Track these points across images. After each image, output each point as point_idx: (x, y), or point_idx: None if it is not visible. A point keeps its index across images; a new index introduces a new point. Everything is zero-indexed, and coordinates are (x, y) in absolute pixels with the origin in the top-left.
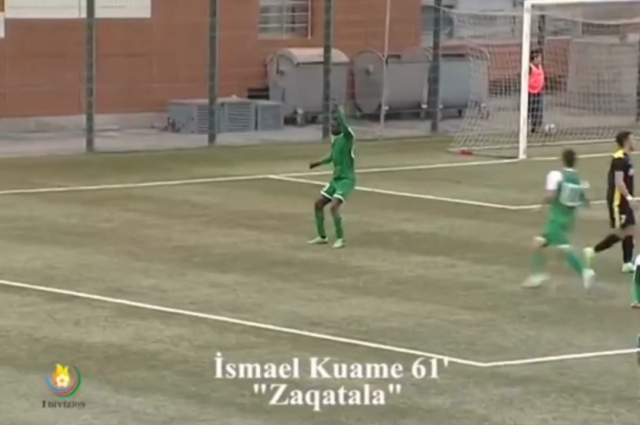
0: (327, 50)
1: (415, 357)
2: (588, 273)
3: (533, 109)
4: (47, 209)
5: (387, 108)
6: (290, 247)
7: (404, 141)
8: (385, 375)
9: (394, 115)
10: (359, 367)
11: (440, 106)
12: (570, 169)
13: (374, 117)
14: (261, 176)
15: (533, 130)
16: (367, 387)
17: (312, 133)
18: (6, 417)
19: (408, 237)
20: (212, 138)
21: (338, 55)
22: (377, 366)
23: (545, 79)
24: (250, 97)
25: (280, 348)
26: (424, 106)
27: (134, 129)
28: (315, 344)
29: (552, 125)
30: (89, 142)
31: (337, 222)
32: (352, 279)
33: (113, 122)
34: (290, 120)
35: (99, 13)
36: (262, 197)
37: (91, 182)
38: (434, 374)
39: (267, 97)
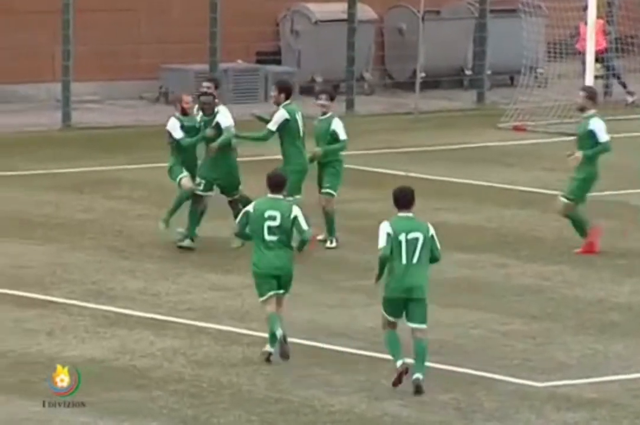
0: (351, 5)
1: (458, 375)
2: None
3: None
4: (14, 197)
5: (423, 75)
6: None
7: (444, 115)
8: (421, 397)
9: (431, 83)
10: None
11: (488, 72)
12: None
13: (407, 85)
14: (271, 157)
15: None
16: (403, 411)
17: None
18: None
19: (449, 231)
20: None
21: (364, 11)
22: (410, 386)
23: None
24: (258, 62)
25: (295, 362)
26: (468, 73)
27: (119, 100)
28: (337, 358)
29: (634, 98)
30: (65, 116)
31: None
32: (380, 281)
33: (94, 92)
34: (306, 90)
35: None
36: None
37: (68, 164)
38: (481, 395)
39: (279, 62)
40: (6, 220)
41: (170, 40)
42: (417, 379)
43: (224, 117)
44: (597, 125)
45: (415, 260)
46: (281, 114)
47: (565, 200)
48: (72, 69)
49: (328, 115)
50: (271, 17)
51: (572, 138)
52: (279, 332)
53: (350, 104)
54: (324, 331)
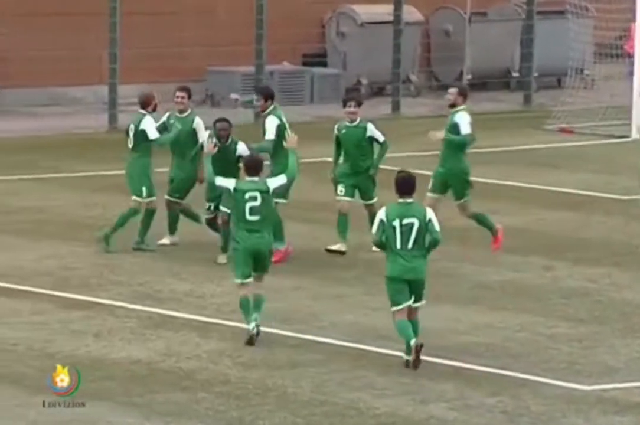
0: (397, 6)
1: (504, 378)
2: None
3: None
4: (62, 198)
5: (469, 77)
6: (351, 245)
7: (491, 117)
8: (468, 400)
9: (478, 85)
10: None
11: (535, 74)
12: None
13: None
14: (317, 159)
15: None
16: (448, 414)
17: (379, 107)
18: None
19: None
20: (258, 113)
21: (410, 13)
22: (456, 389)
23: None
24: (304, 64)
25: (341, 366)
26: (515, 74)
27: (164, 103)
28: (383, 361)
29: None
30: (112, 118)
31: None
32: (427, 282)
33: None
34: (352, 92)
35: None
36: (317, 185)
37: (114, 166)
38: (527, 399)
39: (324, 64)
40: (54, 222)
41: (216, 43)
42: (417, 343)
43: (244, 150)
44: (463, 119)
45: (410, 245)
46: (274, 122)
47: (435, 196)
48: (118, 71)
49: (357, 121)
50: (317, 19)
51: (619, 140)
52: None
53: (396, 106)
54: (368, 333)
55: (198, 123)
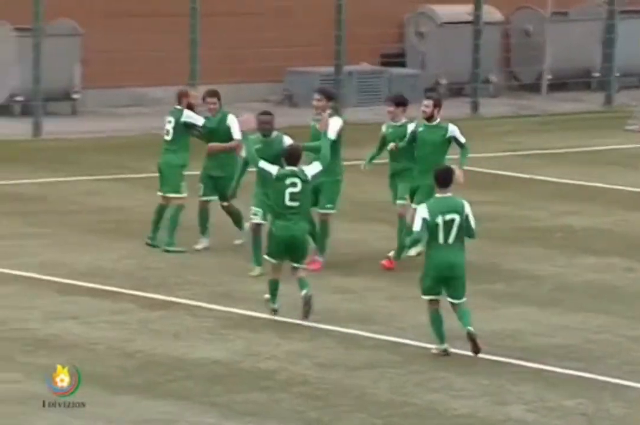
0: (477, 6)
1: (584, 380)
2: None
3: None
4: (143, 199)
5: (550, 77)
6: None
7: (571, 117)
8: (547, 402)
9: (558, 85)
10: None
11: (617, 74)
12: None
13: (534, 87)
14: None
15: None
16: (527, 416)
17: (458, 108)
18: None
19: (575, 234)
20: (337, 114)
21: (490, 13)
22: (535, 391)
23: None
24: (383, 64)
25: (420, 367)
26: (596, 74)
27: (243, 103)
28: (462, 362)
29: None
30: None
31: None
32: (505, 285)
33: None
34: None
35: None
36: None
37: (195, 166)
38: (608, 401)
39: (403, 65)
40: (135, 222)
41: (295, 43)
42: (471, 331)
43: (289, 140)
44: (456, 130)
45: (451, 240)
46: (338, 122)
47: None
48: (198, 72)
49: (403, 121)
50: (396, 19)
51: None
52: None
53: (475, 107)
54: (447, 335)
55: (232, 119)
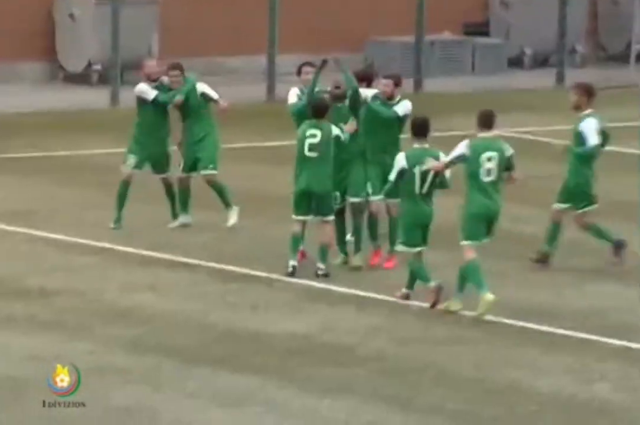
0: None
1: None
2: None
3: None
4: (222, 170)
5: (639, 47)
6: (510, 217)
7: None
8: (633, 380)
9: None
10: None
11: None
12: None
13: (622, 58)
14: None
15: None
16: (613, 396)
17: (543, 78)
18: (173, 417)
19: None
20: (418, 84)
21: None
22: (620, 369)
23: None
24: (466, 33)
25: (501, 343)
26: None
27: (323, 73)
28: (544, 339)
29: None
30: (270, 89)
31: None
32: (591, 259)
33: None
34: (515, 62)
35: None
36: None
37: (273, 137)
38: None
39: (487, 34)
40: (213, 193)
41: (375, 13)
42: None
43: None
44: (406, 106)
45: (425, 190)
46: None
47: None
48: (277, 41)
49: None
50: None
51: None
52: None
53: (560, 77)
54: (531, 311)
55: (201, 85)
